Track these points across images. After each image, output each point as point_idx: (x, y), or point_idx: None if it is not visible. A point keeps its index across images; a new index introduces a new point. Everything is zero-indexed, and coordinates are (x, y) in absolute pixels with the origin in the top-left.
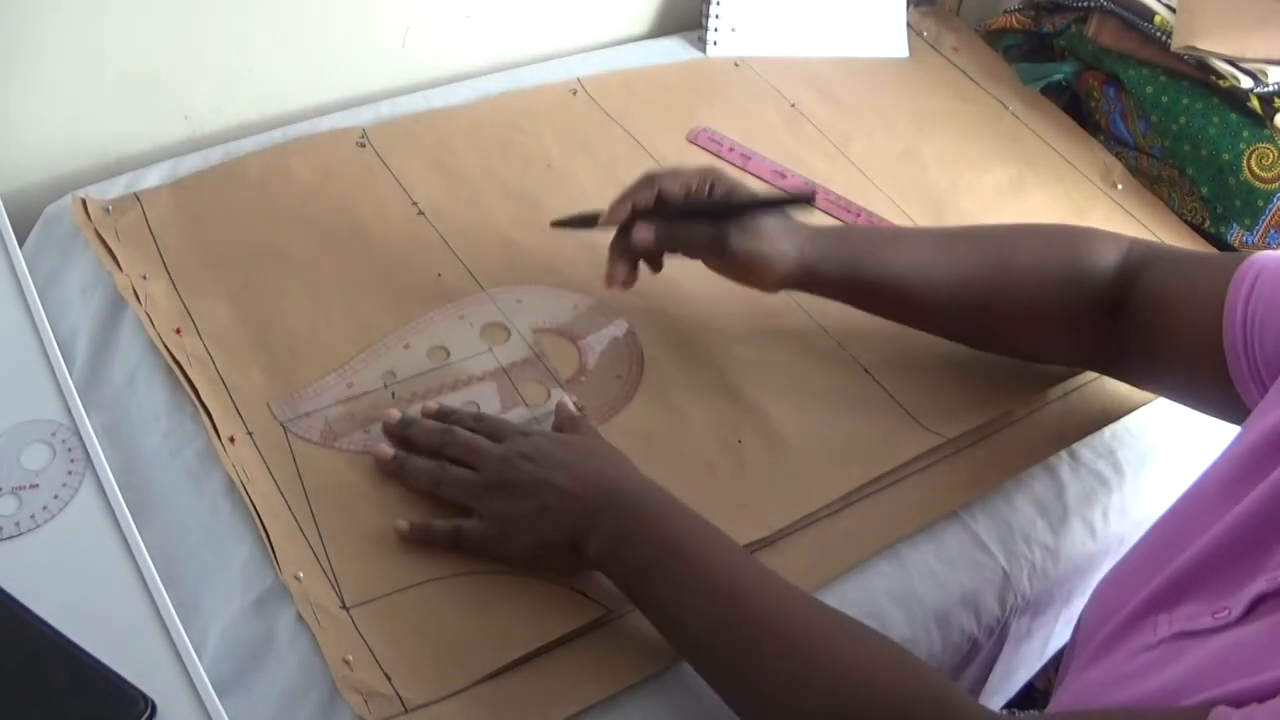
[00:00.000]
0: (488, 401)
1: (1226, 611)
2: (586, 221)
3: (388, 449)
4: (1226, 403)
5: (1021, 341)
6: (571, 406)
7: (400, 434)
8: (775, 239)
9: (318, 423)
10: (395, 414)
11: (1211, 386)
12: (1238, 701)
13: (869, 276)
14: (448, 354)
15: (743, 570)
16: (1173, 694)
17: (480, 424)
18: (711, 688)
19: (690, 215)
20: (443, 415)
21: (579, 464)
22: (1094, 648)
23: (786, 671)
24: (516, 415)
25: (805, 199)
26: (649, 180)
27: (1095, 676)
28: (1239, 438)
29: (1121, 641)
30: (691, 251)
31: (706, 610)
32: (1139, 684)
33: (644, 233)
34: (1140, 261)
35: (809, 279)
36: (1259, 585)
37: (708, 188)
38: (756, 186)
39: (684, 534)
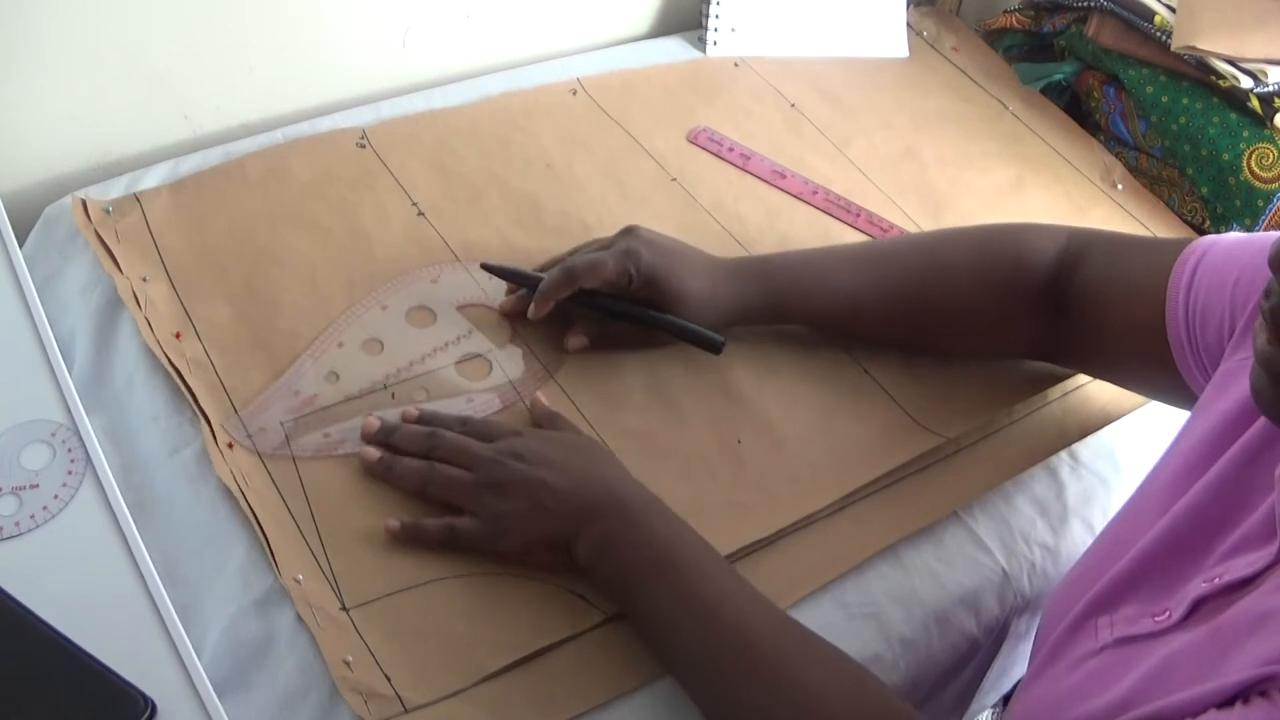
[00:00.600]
0: (440, 379)
1: (1167, 614)
2: (517, 278)
3: (374, 451)
4: (1174, 389)
5: (964, 343)
6: (546, 402)
7: (384, 441)
8: (702, 311)
9: (275, 436)
10: (374, 422)
11: (1158, 375)
12: (1176, 715)
13: (797, 315)
14: (381, 345)
15: (723, 585)
16: (1120, 707)
17: (467, 426)
18: (689, 697)
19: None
20: (425, 420)
21: (571, 463)
22: (1042, 656)
23: (752, 692)
24: (481, 394)
25: (715, 347)
26: (568, 278)
27: (1042, 688)
28: (1181, 435)
29: (1065, 649)
30: (624, 349)
31: (685, 623)
32: (1085, 701)
33: (576, 342)
34: (1080, 251)
35: (734, 323)
36: (1198, 587)
37: (627, 280)
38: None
39: (670, 543)
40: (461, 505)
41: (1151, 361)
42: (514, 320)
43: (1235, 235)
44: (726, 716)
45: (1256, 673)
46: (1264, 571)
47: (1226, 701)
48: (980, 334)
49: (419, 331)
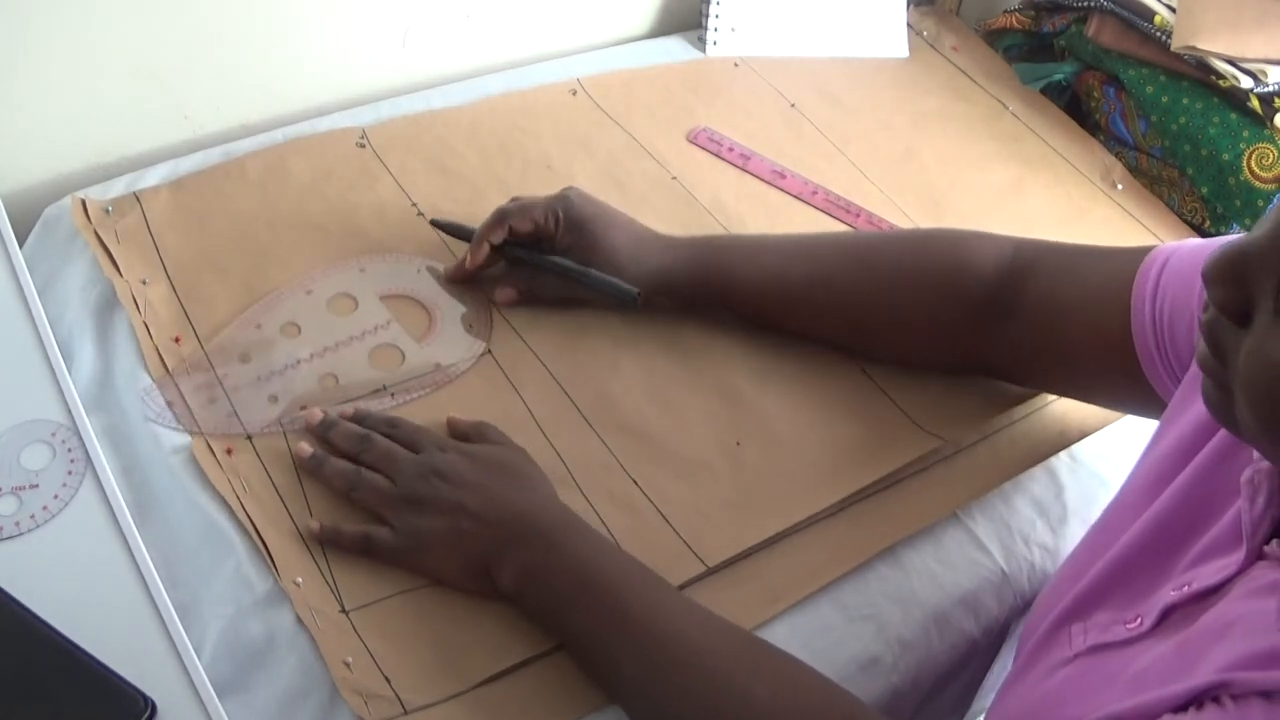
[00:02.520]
0: (352, 367)
1: (1139, 621)
2: (461, 233)
3: (307, 446)
4: (1141, 399)
5: (899, 347)
6: (461, 418)
7: (321, 435)
8: (625, 266)
9: (181, 411)
10: (317, 414)
11: (1125, 385)
12: (1132, 718)
13: (718, 286)
14: (299, 330)
15: (654, 599)
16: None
17: (395, 431)
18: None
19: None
20: (359, 419)
21: (493, 487)
22: (1021, 660)
23: (693, 709)
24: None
25: (631, 300)
26: (500, 218)
27: (1019, 693)
28: (1154, 441)
29: (1041, 654)
30: (550, 302)
31: (616, 642)
32: (1059, 708)
33: (505, 296)
34: (1030, 263)
35: (660, 292)
36: (1167, 595)
37: (553, 223)
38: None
39: (595, 563)
40: (382, 515)
41: (1118, 371)
42: (461, 284)
43: (1196, 241)
44: None
45: (1213, 679)
46: (1231, 579)
47: (1181, 706)
48: (917, 339)
49: (338, 319)
